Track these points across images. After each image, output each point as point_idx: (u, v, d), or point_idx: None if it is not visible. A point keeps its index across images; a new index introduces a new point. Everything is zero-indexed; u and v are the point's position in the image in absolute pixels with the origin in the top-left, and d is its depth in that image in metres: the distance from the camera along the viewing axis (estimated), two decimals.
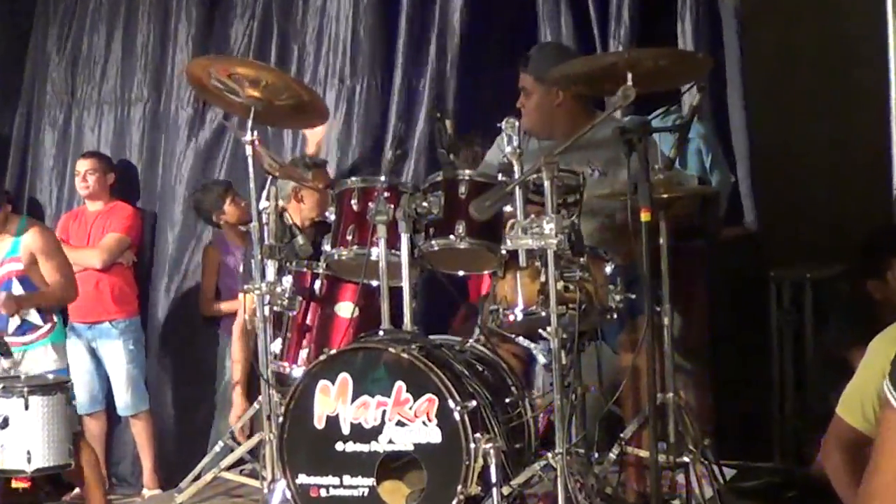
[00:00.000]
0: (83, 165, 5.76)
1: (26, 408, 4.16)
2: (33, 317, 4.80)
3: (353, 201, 3.75)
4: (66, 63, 6.31)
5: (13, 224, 4.85)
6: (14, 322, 4.75)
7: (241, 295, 4.80)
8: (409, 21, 5.38)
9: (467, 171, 3.69)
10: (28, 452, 4.16)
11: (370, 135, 5.47)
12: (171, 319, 5.92)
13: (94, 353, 5.60)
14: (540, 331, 3.50)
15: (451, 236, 3.59)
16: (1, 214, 4.84)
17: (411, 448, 3.41)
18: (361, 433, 3.47)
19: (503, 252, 3.56)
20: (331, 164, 5.42)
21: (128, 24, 6.15)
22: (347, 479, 3.48)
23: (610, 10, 4.95)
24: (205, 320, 5.76)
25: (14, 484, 4.25)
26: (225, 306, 5.52)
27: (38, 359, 4.69)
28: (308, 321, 3.98)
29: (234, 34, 5.89)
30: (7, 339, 4.66)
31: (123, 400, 5.60)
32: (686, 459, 3.61)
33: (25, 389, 4.19)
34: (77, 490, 4.85)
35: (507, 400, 3.69)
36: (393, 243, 3.65)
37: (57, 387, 4.29)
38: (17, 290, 4.77)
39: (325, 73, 5.64)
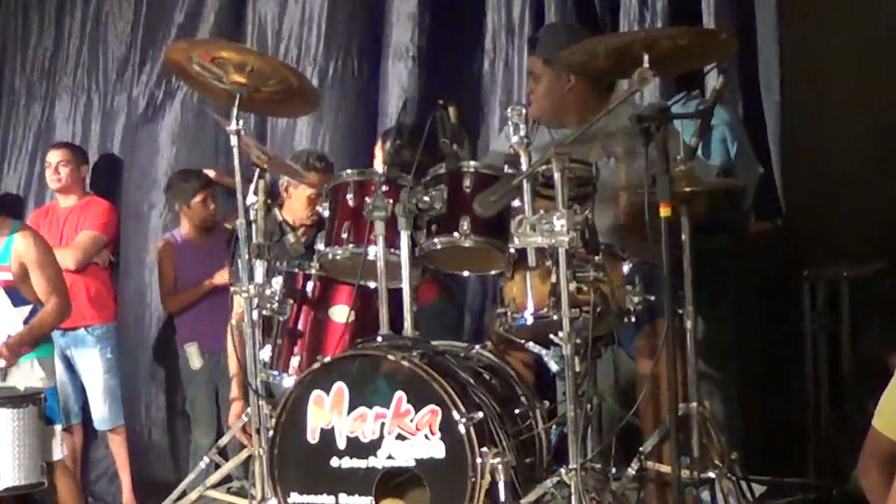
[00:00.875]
0: (55, 157, 5.77)
1: None
2: (19, 327, 4.67)
3: (348, 196, 3.75)
4: (41, 50, 6.35)
5: (4, 229, 4.71)
6: None
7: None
8: None
9: (472, 163, 3.68)
10: None
11: (348, 121, 5.49)
12: (148, 325, 5.95)
13: (68, 363, 5.62)
14: (551, 336, 3.48)
15: (455, 234, 3.58)
16: None
17: (413, 464, 3.41)
18: (358, 448, 3.47)
19: (511, 251, 3.56)
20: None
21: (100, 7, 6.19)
22: (343, 498, 3.48)
23: None
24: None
25: None
26: (185, 296, 5.55)
27: (24, 375, 4.61)
28: (300, 326, 3.96)
29: (204, 11, 5.92)
30: None
31: (101, 413, 5.62)
32: (711, 475, 3.62)
33: None
34: None
35: (517, 411, 3.69)
36: (392, 241, 3.64)
37: (28, 399, 4.29)
38: (4, 302, 4.68)
39: (297, 53, 5.68)
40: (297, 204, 4.78)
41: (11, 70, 6.42)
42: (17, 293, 4.66)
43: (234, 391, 4.83)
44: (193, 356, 5.45)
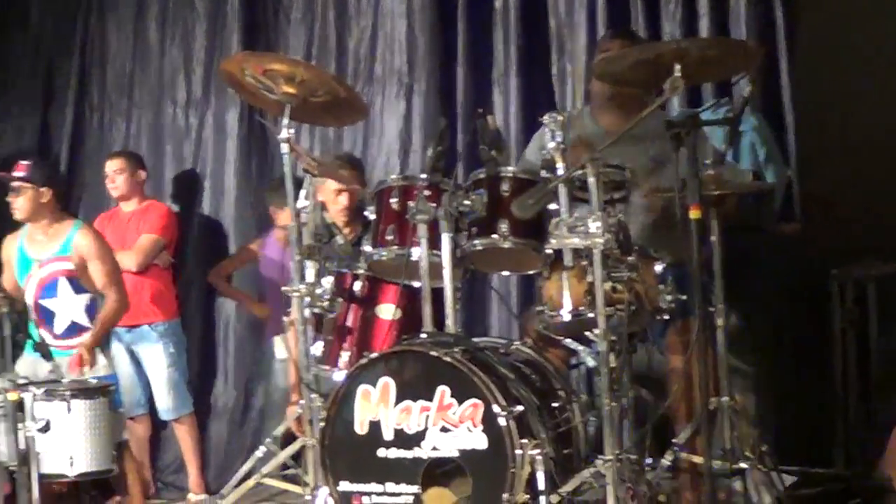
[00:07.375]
0: (110, 166, 5.77)
1: (68, 411, 4.17)
2: (81, 317, 4.79)
3: (392, 200, 3.73)
4: (118, 66, 6.37)
5: (66, 224, 4.84)
6: (62, 323, 4.77)
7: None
8: (468, 17, 5.36)
9: (510, 168, 3.66)
10: (70, 457, 4.17)
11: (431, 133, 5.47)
12: (229, 321, 5.97)
13: (134, 357, 5.62)
14: (587, 333, 3.45)
15: (495, 235, 3.56)
16: (53, 211, 4.82)
17: (456, 454, 3.38)
18: (404, 439, 3.44)
19: (548, 252, 3.52)
20: (393, 165, 5.47)
21: (183, 28, 6.18)
22: (391, 487, 3.45)
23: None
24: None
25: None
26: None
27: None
28: (349, 323, 3.93)
29: (290, 35, 5.91)
30: (55, 342, 4.69)
31: (165, 404, 5.61)
32: (743, 466, 3.55)
33: (68, 393, 4.20)
34: (118, 497, 4.85)
35: (555, 404, 3.65)
36: (434, 243, 3.61)
37: (100, 391, 4.30)
38: (65, 289, 4.76)
39: (381, 71, 5.65)
40: (326, 198, 4.69)
41: (94, 86, 6.42)
42: (77, 282, 4.79)
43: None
44: (280, 346, 5.44)
